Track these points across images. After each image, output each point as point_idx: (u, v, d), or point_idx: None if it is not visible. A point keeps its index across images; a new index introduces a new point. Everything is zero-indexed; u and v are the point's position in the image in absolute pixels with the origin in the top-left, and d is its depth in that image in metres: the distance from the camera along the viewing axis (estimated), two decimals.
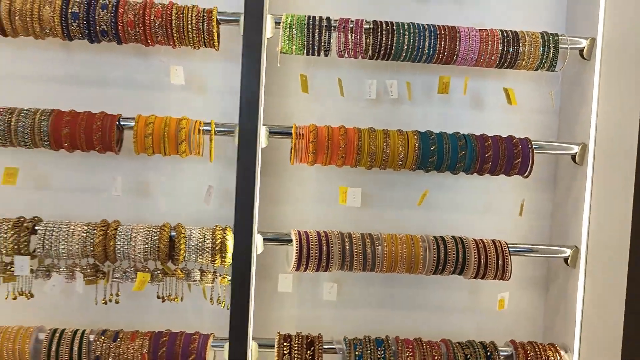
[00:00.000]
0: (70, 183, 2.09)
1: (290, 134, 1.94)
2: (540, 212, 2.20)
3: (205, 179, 2.07)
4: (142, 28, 1.86)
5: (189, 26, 1.87)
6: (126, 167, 2.08)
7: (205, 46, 1.92)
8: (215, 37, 1.90)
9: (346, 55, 1.94)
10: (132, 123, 1.90)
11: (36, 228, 1.89)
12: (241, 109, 1.74)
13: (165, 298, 1.98)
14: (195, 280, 1.95)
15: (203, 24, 1.88)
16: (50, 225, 1.89)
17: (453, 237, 2.00)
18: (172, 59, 2.05)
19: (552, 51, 1.98)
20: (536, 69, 2.00)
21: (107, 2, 1.86)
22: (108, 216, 2.01)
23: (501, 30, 1.97)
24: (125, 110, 1.98)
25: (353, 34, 1.92)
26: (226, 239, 1.92)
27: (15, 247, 1.87)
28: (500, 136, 1.99)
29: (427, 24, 1.94)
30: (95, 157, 2.05)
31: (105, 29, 1.86)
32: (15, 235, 1.87)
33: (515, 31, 1.97)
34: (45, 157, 2.06)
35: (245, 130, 1.78)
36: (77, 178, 2.08)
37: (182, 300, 1.96)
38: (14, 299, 1.91)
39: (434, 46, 1.93)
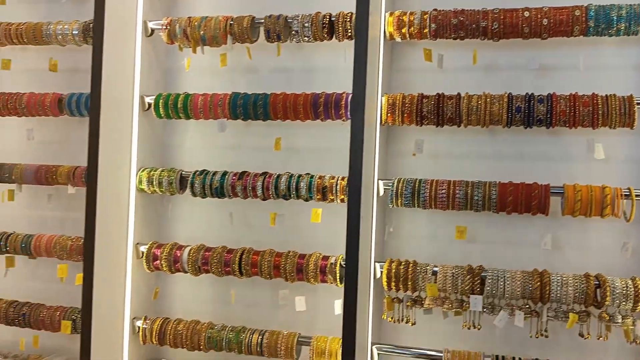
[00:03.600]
0: (495, 238, 2.62)
1: None
2: None
3: (619, 237, 2.44)
4: (572, 115, 2.33)
5: (613, 112, 2.29)
6: (541, 225, 2.55)
7: (623, 127, 2.32)
8: (635, 119, 2.29)
9: None
10: (558, 191, 2.37)
11: (483, 274, 2.44)
12: None
13: (586, 336, 2.36)
14: (617, 323, 2.31)
15: (625, 109, 2.28)
16: (495, 272, 2.41)
17: None
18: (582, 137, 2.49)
19: None
20: None
21: (542, 97, 2.37)
22: (528, 265, 2.49)
23: None
24: (538, 179, 2.46)
25: None
26: None
27: (469, 288, 2.43)
28: None
29: None
30: (514, 218, 2.55)
31: (541, 118, 2.37)
32: (470, 279, 2.43)
33: None
34: (470, 217, 2.62)
35: None
36: (502, 234, 2.61)
37: (607, 339, 2.33)
38: (468, 328, 2.46)
39: None
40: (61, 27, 2.95)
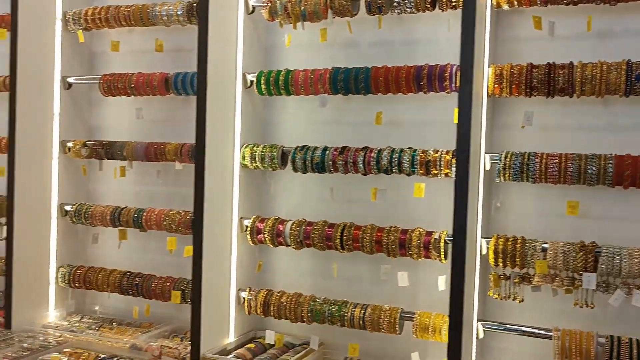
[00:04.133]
0: (608, 213, 2.49)
1: None
2: None
3: None
4: None
5: None
6: None
7: None
8: None
9: None
10: None
11: (597, 251, 2.33)
12: None
13: None
14: None
15: None
16: (611, 249, 2.31)
17: None
18: None
19: None
20: None
21: None
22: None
23: None
24: None
25: None
26: None
27: (582, 266, 2.33)
28: None
29: None
30: (630, 192, 2.41)
31: None
32: (583, 256, 2.33)
33: None
34: (580, 191, 2.49)
35: None
36: (616, 209, 2.48)
37: None
38: (581, 307, 2.37)
39: None
40: (166, 8, 3.04)
